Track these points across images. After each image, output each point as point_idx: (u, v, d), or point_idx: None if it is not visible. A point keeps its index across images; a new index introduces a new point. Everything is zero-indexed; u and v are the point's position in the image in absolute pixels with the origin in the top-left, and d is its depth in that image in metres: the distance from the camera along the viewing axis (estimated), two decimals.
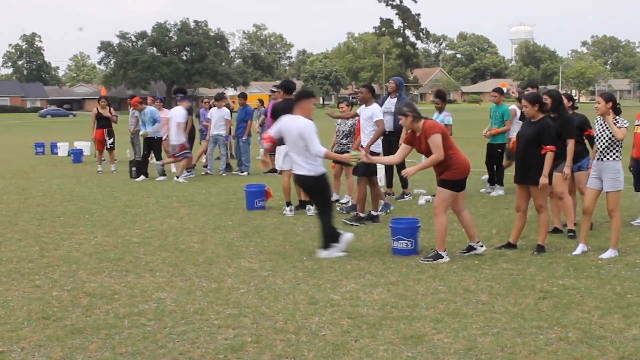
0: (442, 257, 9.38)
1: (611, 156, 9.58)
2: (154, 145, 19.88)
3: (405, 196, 14.77)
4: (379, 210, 12.64)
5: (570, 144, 10.40)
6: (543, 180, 9.53)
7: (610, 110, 9.55)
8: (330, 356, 6.06)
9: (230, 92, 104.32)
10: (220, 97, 20.55)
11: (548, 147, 9.57)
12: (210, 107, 21.46)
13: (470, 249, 9.69)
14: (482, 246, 9.69)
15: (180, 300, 7.72)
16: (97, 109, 21.39)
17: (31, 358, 6.11)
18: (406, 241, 9.74)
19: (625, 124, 9.55)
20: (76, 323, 7.01)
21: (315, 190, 10.08)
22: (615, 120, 9.52)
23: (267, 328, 6.80)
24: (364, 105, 12.62)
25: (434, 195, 14.43)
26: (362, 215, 12.20)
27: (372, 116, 12.47)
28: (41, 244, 10.72)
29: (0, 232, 11.67)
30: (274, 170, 19.86)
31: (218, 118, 20.04)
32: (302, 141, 9.80)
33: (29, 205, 14.59)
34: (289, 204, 13.15)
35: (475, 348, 6.18)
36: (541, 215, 9.84)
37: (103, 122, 21.19)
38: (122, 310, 7.39)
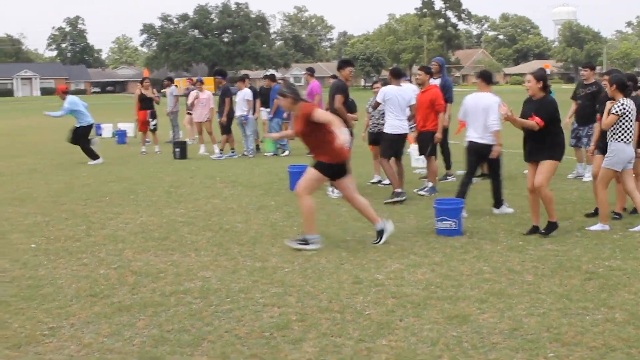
0: (310, 243, 9.13)
1: (611, 137, 9.80)
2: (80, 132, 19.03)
3: (448, 177, 14.69)
4: (426, 191, 12.78)
5: (637, 125, 10.14)
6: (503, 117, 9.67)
7: (617, 92, 9.78)
8: (375, 335, 6.07)
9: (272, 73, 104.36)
10: (242, 79, 20.56)
11: (537, 118, 9.40)
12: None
13: (380, 233, 9.42)
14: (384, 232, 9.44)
15: (225, 279, 7.78)
16: (141, 90, 21.48)
17: (80, 334, 6.20)
18: (450, 222, 9.70)
19: (616, 110, 9.66)
20: (123, 300, 7.10)
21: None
22: (617, 103, 9.74)
23: (312, 307, 6.82)
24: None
25: (478, 177, 14.44)
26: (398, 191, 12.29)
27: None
28: (88, 223, 10.85)
29: (47, 212, 11.84)
30: None
31: (240, 99, 20.04)
32: (486, 115, 10.97)
33: (75, 186, 14.77)
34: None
35: (520, 328, 6.16)
36: (540, 195, 9.69)
37: (146, 104, 21.29)
38: (168, 289, 7.47)
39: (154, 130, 21.42)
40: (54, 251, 9.17)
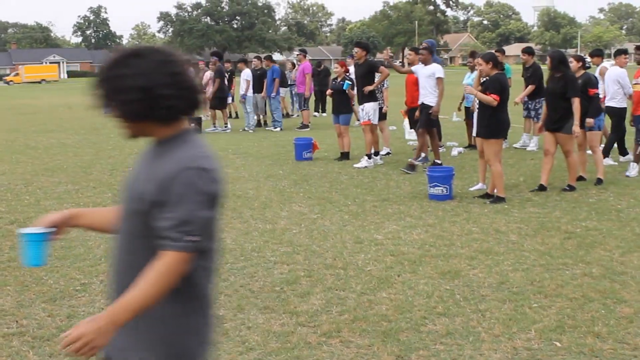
0: None
1: None
2: None
3: (439, 148, 14.64)
4: (419, 161, 12.63)
5: (576, 103, 9.75)
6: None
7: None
8: (376, 289, 6.08)
9: (277, 56, 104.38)
10: (243, 60, 20.37)
11: (493, 95, 9.31)
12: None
13: None
14: None
15: (239, 240, 7.77)
16: None
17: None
18: (442, 187, 9.68)
19: None
20: None
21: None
22: None
23: (318, 264, 6.83)
24: (422, 65, 12.26)
25: (466, 147, 14.42)
26: (438, 161, 12.38)
27: (434, 74, 11.98)
28: (113, 192, 10.82)
29: (76, 181, 11.81)
30: (305, 126, 19.88)
31: (242, 79, 19.81)
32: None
33: (101, 158, 14.73)
34: (377, 153, 13.11)
35: (507, 282, 6.16)
36: (491, 168, 9.63)
37: None
38: None
39: None
40: None
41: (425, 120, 12.01)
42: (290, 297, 5.92)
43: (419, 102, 12.23)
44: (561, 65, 9.95)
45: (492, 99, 9.28)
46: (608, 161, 12.01)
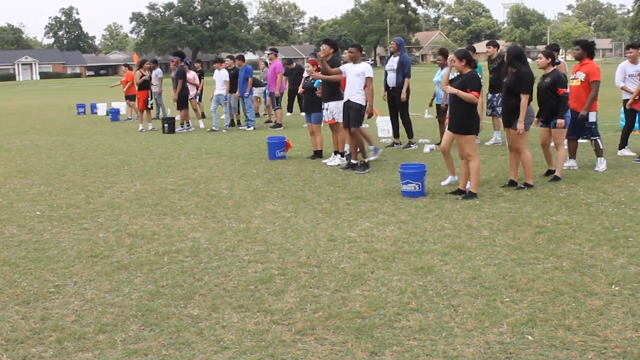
0: None
1: None
2: None
3: (411, 145, 14.69)
4: (371, 155, 12.50)
5: (523, 100, 9.72)
6: (450, 90, 9.49)
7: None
8: (350, 286, 6.08)
9: (249, 55, 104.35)
10: (219, 60, 20.22)
11: (474, 92, 9.31)
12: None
13: None
14: None
15: (213, 239, 7.75)
16: (142, 71, 20.97)
17: (83, 291, 6.16)
18: (414, 184, 9.70)
19: None
20: (121, 260, 7.05)
21: None
22: None
23: (292, 262, 6.82)
24: (351, 63, 12.11)
25: (437, 144, 14.46)
26: (355, 162, 12.09)
27: (364, 73, 11.82)
28: (87, 192, 10.75)
29: (50, 182, 11.71)
30: (278, 125, 19.86)
31: (218, 79, 19.62)
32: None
33: (75, 159, 14.61)
34: (342, 154, 12.88)
35: (479, 277, 6.19)
36: (470, 163, 9.57)
37: (146, 84, 20.79)
38: (161, 249, 7.42)
39: (150, 109, 21.05)
40: (57, 218, 9.08)
41: (356, 118, 11.86)
42: (265, 295, 5.91)
43: (345, 100, 12.03)
44: (515, 61, 9.88)
45: (473, 96, 9.31)
46: (624, 152, 12.91)
